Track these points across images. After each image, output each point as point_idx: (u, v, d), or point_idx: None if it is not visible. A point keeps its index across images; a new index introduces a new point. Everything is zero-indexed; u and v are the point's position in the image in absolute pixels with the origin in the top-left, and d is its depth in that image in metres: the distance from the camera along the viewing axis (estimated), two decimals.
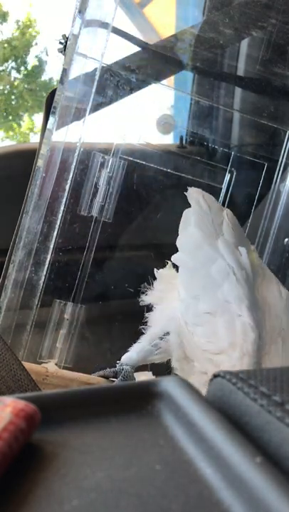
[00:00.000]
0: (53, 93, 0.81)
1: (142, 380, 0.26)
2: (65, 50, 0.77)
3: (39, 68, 6.30)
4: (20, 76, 6.18)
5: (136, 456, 0.21)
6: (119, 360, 0.79)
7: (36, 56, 6.29)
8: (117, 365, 0.81)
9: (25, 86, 6.15)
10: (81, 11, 0.75)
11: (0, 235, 0.90)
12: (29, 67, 6.25)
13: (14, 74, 6.24)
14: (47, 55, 6.19)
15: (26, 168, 0.84)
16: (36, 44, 6.28)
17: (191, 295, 0.68)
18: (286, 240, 1.00)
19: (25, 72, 6.21)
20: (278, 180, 1.01)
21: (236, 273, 0.65)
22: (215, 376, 0.26)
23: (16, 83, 6.17)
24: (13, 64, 6.19)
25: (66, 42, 0.77)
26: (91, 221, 0.92)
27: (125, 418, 0.24)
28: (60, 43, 0.78)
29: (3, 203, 1.05)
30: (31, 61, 6.32)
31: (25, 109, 6.18)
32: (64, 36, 0.78)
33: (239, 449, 0.20)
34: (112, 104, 0.89)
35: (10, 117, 6.16)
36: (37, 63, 6.28)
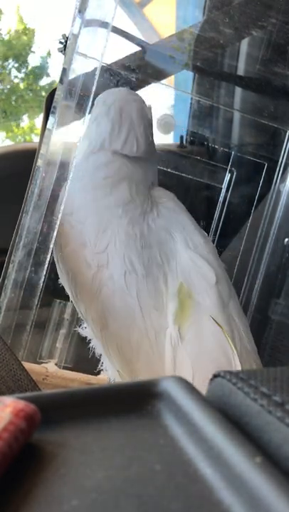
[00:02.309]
0: (52, 93, 0.81)
1: (142, 380, 0.26)
2: (65, 49, 0.77)
3: (41, 69, 6.29)
4: (20, 76, 6.18)
5: (136, 456, 0.21)
6: None
7: (41, 57, 6.28)
8: None
9: (30, 88, 6.14)
10: (81, 10, 0.75)
11: (0, 235, 0.90)
12: (31, 68, 6.24)
13: (15, 74, 6.24)
14: (50, 56, 6.18)
15: (26, 168, 0.84)
16: (39, 47, 6.28)
17: None
18: (286, 240, 1.00)
19: (26, 72, 6.20)
20: (278, 180, 1.01)
21: None
22: (215, 376, 0.26)
23: (16, 84, 6.16)
24: (14, 64, 6.18)
25: (66, 42, 0.77)
26: None
27: (125, 418, 0.24)
28: (60, 42, 0.78)
29: (3, 203, 1.05)
30: (33, 62, 6.32)
31: (26, 110, 6.17)
32: (64, 36, 0.78)
33: (239, 449, 0.20)
34: None
35: (10, 118, 6.15)
36: (39, 64, 6.27)
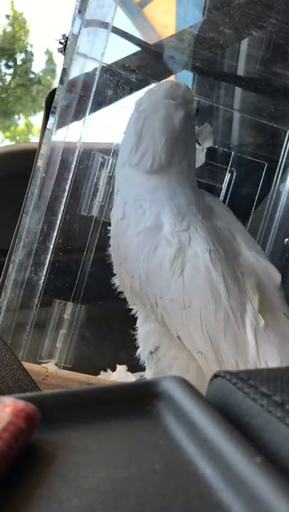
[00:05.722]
0: (53, 93, 0.81)
1: (142, 380, 0.26)
2: (65, 50, 0.78)
3: (28, 61, 6.34)
4: (10, 71, 6.21)
5: (136, 456, 0.21)
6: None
7: (24, 51, 6.32)
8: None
9: (20, 83, 6.16)
10: (81, 10, 0.75)
11: (0, 235, 0.90)
12: (18, 63, 6.28)
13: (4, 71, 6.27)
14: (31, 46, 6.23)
15: (26, 168, 0.84)
16: (25, 41, 6.31)
17: None
18: (286, 240, 1.00)
19: (14, 67, 6.24)
20: (278, 180, 1.01)
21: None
22: (215, 376, 0.26)
23: (7, 80, 6.19)
24: (3, 61, 6.23)
25: (66, 42, 0.77)
26: (91, 221, 0.92)
27: (125, 418, 0.24)
28: (60, 42, 0.78)
29: (3, 203, 1.05)
30: (20, 57, 6.37)
31: (20, 106, 6.20)
32: (64, 36, 0.78)
33: (239, 449, 0.20)
34: (112, 104, 0.89)
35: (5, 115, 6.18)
36: (24, 56, 6.32)
